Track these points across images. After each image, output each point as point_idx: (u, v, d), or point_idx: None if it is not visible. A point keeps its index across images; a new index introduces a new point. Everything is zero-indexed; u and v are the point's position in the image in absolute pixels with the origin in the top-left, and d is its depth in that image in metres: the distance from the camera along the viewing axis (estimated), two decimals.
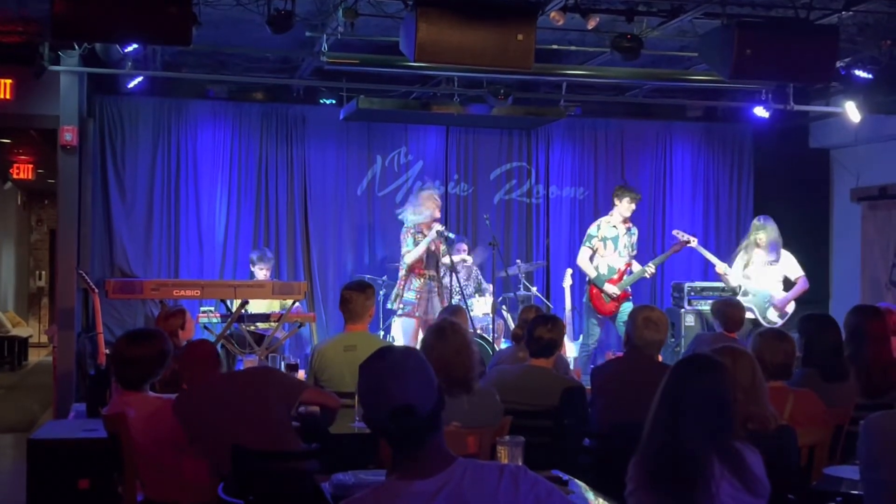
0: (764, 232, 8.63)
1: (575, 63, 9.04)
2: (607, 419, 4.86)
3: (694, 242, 8.92)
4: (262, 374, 4.49)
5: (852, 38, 7.86)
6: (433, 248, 8.54)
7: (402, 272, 8.60)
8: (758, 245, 8.65)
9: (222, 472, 4.18)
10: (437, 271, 8.61)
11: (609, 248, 8.83)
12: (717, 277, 9.08)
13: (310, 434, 4.42)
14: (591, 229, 8.98)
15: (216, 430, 4.22)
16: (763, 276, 8.65)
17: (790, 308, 8.64)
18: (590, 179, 10.91)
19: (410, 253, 8.43)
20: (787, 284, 8.77)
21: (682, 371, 2.94)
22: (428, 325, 8.37)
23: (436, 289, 8.56)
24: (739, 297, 8.65)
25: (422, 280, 8.51)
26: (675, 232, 9.20)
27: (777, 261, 8.66)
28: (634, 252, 9.00)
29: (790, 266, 8.75)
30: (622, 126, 11.02)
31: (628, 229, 8.94)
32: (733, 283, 8.77)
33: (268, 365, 4.54)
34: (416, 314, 8.46)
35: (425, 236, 8.44)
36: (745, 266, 8.71)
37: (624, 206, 8.83)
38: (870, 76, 8.30)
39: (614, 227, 8.87)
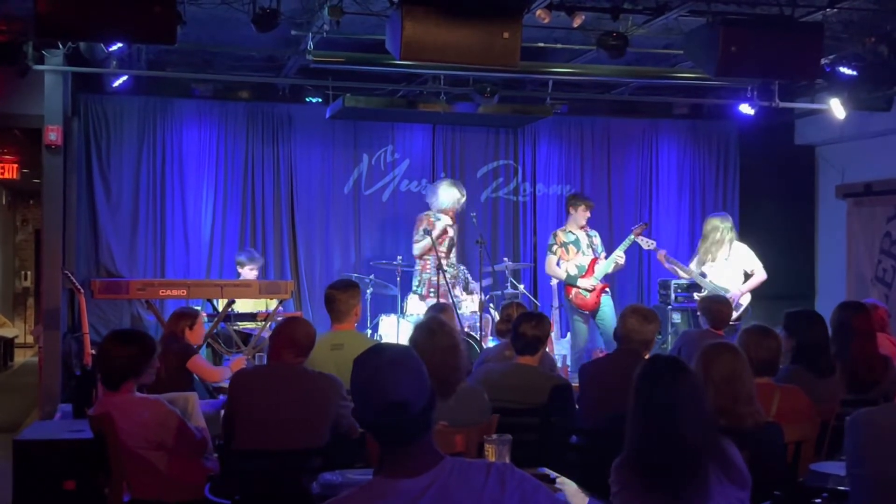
0: (705, 226, 8.86)
1: (561, 61, 9.04)
2: (595, 416, 4.87)
3: (652, 245, 9.08)
4: (333, 385, 4.47)
5: (837, 35, 7.88)
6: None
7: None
8: (709, 241, 8.77)
9: (240, 447, 4.27)
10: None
11: (572, 250, 8.95)
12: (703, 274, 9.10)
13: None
14: (550, 239, 9.15)
15: (260, 408, 4.28)
16: (719, 271, 8.73)
17: (745, 300, 8.73)
18: (576, 177, 10.92)
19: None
20: (749, 278, 8.83)
21: (663, 373, 2.93)
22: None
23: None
24: (694, 294, 8.81)
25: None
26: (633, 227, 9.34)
27: (717, 257, 8.74)
28: (603, 252, 9.07)
29: (746, 259, 8.82)
30: (608, 124, 11.04)
31: (587, 232, 9.07)
32: (682, 274, 8.95)
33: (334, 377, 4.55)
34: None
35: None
36: (702, 263, 8.80)
37: (580, 215, 8.98)
38: (854, 73, 8.32)
39: (571, 232, 9.02)
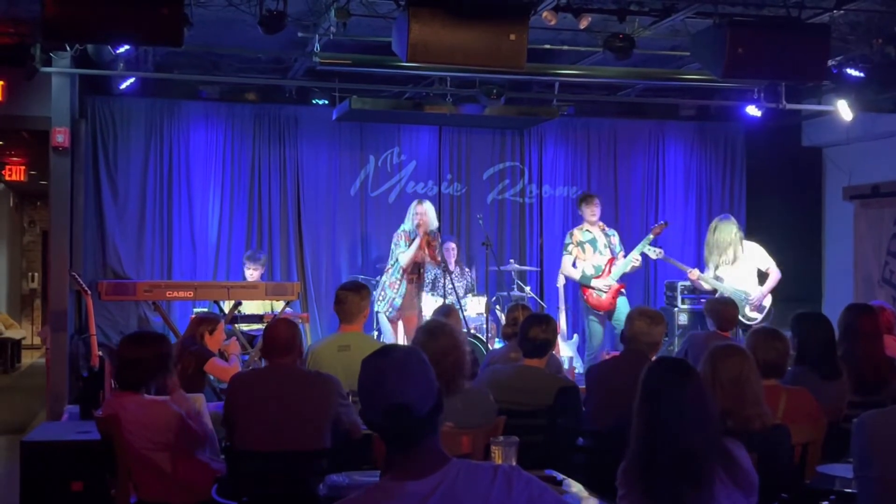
0: (721, 233, 8.58)
1: (567, 63, 9.04)
2: (601, 418, 4.86)
3: (661, 254, 8.92)
4: (330, 384, 4.44)
5: (844, 36, 7.87)
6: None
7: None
8: (717, 246, 8.60)
9: (240, 450, 4.25)
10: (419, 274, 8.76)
11: (588, 250, 8.84)
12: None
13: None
14: (566, 238, 9.04)
15: (258, 411, 4.27)
16: (733, 274, 8.60)
17: (767, 302, 8.59)
18: (583, 179, 10.92)
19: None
20: (762, 275, 8.71)
21: (667, 377, 2.91)
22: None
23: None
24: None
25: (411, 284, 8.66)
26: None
27: (735, 259, 8.56)
28: (621, 251, 8.95)
29: (759, 257, 8.66)
30: (615, 125, 11.03)
31: (604, 231, 8.94)
32: (707, 287, 8.76)
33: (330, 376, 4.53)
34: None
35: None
36: (716, 268, 8.68)
37: (590, 210, 8.85)
38: (861, 75, 8.31)
39: (588, 230, 8.89)
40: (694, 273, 8.75)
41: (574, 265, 8.88)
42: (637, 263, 8.88)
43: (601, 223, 8.98)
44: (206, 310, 8.73)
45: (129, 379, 4.38)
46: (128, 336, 4.63)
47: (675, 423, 2.80)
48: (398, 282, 8.64)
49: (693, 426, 2.80)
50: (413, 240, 8.54)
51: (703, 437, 2.80)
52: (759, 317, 8.45)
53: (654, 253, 8.97)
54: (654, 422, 2.84)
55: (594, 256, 8.82)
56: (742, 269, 8.62)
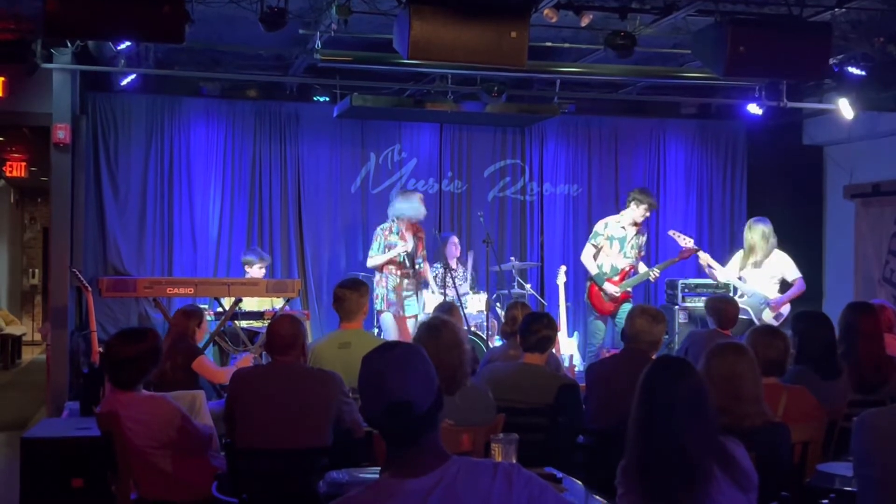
0: (750, 233, 8.56)
1: (569, 60, 9.03)
2: (602, 416, 4.87)
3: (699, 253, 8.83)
4: (333, 381, 4.44)
5: (845, 35, 7.86)
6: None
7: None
8: (750, 247, 8.58)
9: (241, 447, 4.25)
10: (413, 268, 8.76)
11: (615, 248, 8.69)
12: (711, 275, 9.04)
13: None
14: (598, 226, 8.83)
15: (260, 408, 4.28)
16: (757, 277, 8.58)
17: (785, 310, 8.50)
18: (584, 177, 10.92)
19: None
20: (785, 286, 8.69)
21: (664, 375, 2.90)
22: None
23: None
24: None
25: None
26: (671, 233, 9.09)
27: (759, 263, 8.54)
28: (642, 253, 8.89)
29: (787, 267, 8.59)
30: (616, 123, 11.03)
31: (638, 232, 8.77)
32: (720, 278, 8.73)
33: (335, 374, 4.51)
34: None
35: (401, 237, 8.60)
36: (742, 268, 8.65)
37: (639, 212, 8.63)
38: (863, 73, 8.30)
39: (623, 227, 8.71)
40: (705, 258, 8.68)
41: (595, 257, 8.74)
42: (655, 276, 8.85)
43: (640, 225, 8.80)
44: (205, 307, 8.74)
45: (123, 378, 4.37)
46: (115, 335, 4.59)
47: (668, 420, 2.79)
48: (385, 277, 8.63)
49: (686, 424, 2.79)
50: (395, 234, 8.60)
51: (698, 436, 2.80)
52: (776, 323, 8.35)
53: (682, 240, 8.80)
54: (648, 420, 2.84)
55: (617, 256, 8.69)
56: (766, 275, 8.56)
